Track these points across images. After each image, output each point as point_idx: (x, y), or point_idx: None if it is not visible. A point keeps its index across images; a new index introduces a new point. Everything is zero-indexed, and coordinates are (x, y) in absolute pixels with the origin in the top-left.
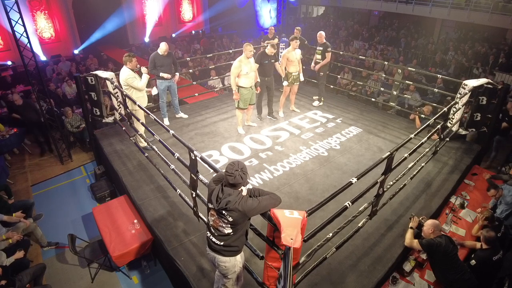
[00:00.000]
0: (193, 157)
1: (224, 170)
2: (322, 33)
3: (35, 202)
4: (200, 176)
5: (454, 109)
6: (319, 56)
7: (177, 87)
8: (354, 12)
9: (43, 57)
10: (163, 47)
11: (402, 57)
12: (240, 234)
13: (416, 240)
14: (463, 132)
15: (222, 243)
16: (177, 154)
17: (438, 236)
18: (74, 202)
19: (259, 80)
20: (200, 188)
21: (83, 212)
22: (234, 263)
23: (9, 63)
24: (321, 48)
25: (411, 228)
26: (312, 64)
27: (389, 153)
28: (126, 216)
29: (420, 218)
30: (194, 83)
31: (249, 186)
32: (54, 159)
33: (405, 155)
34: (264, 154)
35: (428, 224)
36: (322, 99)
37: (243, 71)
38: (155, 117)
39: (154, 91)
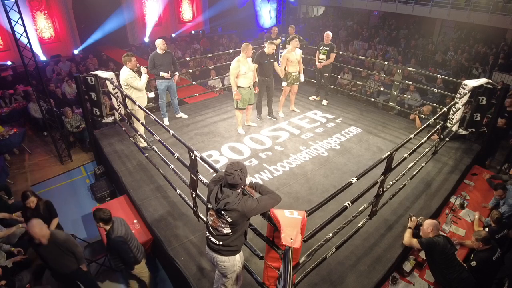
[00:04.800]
0: (193, 157)
1: (224, 170)
2: (329, 33)
3: None
4: (200, 176)
5: (454, 109)
6: (323, 56)
7: (176, 87)
8: (354, 12)
9: (43, 57)
10: (159, 43)
11: (401, 57)
12: (239, 234)
13: (415, 239)
14: (463, 132)
15: (221, 243)
16: (177, 154)
17: (437, 235)
18: (74, 202)
19: (257, 80)
20: (200, 188)
21: (83, 212)
22: (233, 262)
23: (9, 63)
24: (326, 48)
25: (410, 228)
26: (317, 63)
27: (389, 153)
28: (126, 216)
29: (419, 218)
30: (194, 83)
31: (252, 179)
32: (54, 159)
33: (405, 155)
34: (264, 154)
35: (427, 223)
36: (324, 100)
37: (242, 71)
38: (155, 117)
39: (151, 95)
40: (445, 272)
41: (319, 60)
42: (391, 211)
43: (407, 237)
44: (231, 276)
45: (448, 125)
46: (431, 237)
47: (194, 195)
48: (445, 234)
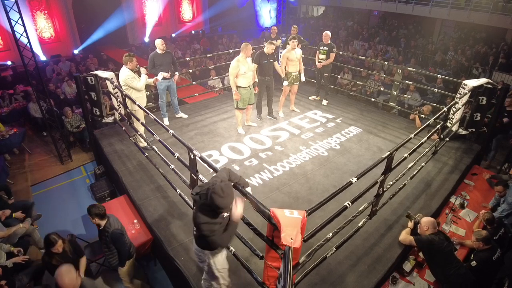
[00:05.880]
0: (193, 157)
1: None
2: (328, 33)
3: (35, 202)
4: (200, 176)
5: (454, 109)
6: (323, 56)
7: (176, 87)
8: (354, 12)
9: (43, 57)
10: (158, 43)
11: (401, 57)
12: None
13: (411, 236)
14: (463, 132)
15: (195, 232)
16: (177, 154)
17: (433, 233)
18: (74, 202)
19: (257, 80)
20: None
21: (83, 212)
22: (208, 256)
23: (9, 63)
24: (326, 48)
25: (409, 228)
26: (316, 63)
27: (389, 153)
28: (126, 216)
29: (416, 216)
30: (194, 83)
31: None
32: (54, 159)
33: (405, 155)
34: (264, 154)
35: (424, 221)
36: (324, 99)
37: (241, 70)
38: (154, 117)
39: (160, 76)
40: (442, 269)
41: (319, 60)
42: (391, 211)
43: (404, 234)
44: (208, 271)
45: (448, 125)
46: (426, 235)
47: None
48: (441, 231)
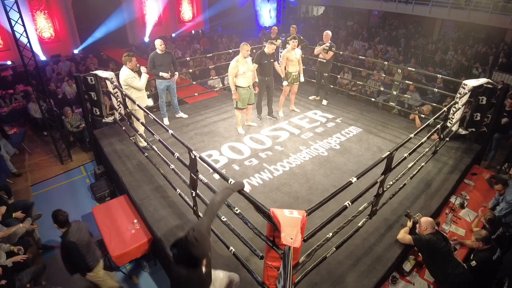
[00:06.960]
0: (192, 157)
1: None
2: (329, 32)
3: (35, 202)
4: (200, 176)
5: (454, 109)
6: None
7: (176, 87)
8: (354, 12)
9: (43, 57)
10: (157, 43)
11: (401, 57)
12: None
13: (408, 236)
14: (463, 132)
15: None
16: (176, 154)
17: (431, 233)
18: (74, 202)
19: (257, 80)
20: (200, 188)
21: (83, 212)
22: None
23: (9, 63)
24: (326, 48)
25: (408, 227)
26: (315, 51)
27: (388, 152)
28: (126, 216)
29: (415, 215)
30: (194, 83)
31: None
32: (54, 159)
33: (405, 155)
34: (264, 154)
35: (423, 221)
36: (324, 99)
37: (240, 70)
38: (154, 116)
39: (150, 102)
40: (441, 269)
41: (319, 60)
42: (391, 211)
43: (402, 233)
44: None
45: (448, 125)
46: (424, 234)
47: (194, 195)
48: (439, 230)
